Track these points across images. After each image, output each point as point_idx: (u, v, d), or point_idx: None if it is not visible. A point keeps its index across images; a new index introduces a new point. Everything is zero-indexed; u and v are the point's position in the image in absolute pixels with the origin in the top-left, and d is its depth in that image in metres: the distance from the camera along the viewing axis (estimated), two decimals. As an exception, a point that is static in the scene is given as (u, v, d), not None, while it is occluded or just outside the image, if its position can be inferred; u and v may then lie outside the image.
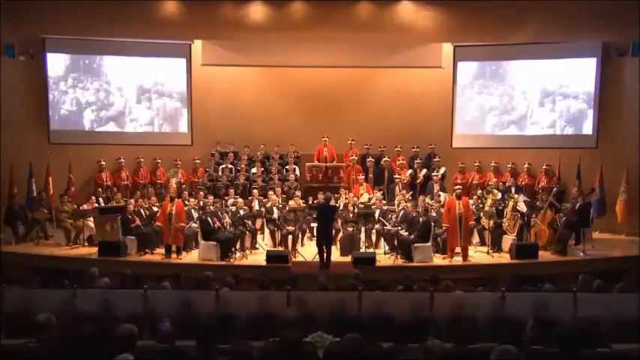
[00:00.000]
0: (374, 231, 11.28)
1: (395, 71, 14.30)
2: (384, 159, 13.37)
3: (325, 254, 10.06)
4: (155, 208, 11.49)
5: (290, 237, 10.99)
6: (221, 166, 13.61)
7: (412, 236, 10.56)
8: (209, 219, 10.75)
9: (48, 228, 11.90)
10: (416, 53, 13.85)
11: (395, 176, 12.95)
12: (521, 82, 13.70)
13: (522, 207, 11.16)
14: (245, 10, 13.26)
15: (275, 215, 11.39)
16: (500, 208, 11.42)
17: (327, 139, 13.63)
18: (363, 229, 11.10)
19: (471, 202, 11.61)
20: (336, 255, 10.59)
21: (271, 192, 12.16)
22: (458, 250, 10.64)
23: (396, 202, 12.12)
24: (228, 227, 10.85)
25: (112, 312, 5.56)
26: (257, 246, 11.43)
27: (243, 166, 13.46)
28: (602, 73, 13.04)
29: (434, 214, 11.16)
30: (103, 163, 13.22)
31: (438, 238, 10.95)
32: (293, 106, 14.34)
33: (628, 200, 12.31)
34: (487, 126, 14.03)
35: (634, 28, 11.97)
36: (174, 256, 10.66)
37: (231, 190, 12.44)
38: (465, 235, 10.64)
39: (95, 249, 10.66)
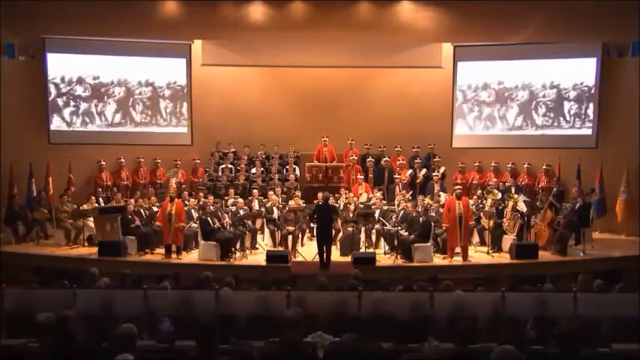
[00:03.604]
0: (374, 231, 11.27)
1: (395, 71, 14.30)
2: (384, 159, 13.37)
3: (325, 254, 10.06)
4: (155, 208, 11.49)
5: (290, 237, 10.99)
6: (221, 166, 13.60)
7: (412, 236, 10.55)
8: (209, 219, 10.75)
9: (48, 228, 11.91)
10: (416, 53, 13.84)
11: (395, 176, 12.96)
12: (521, 82, 13.69)
13: (522, 207, 11.16)
14: (245, 10, 13.29)
15: (275, 215, 11.40)
16: (500, 208, 11.42)
17: (327, 139, 13.63)
18: (363, 229, 11.10)
19: (471, 202, 11.62)
20: (336, 255, 10.58)
21: (271, 192, 12.16)
22: (458, 250, 10.64)
23: (396, 202, 12.12)
24: (228, 227, 10.86)
25: (111, 312, 5.56)
26: (257, 246, 11.43)
27: (243, 166, 13.45)
28: (602, 73, 13.05)
29: (434, 214, 11.16)
30: (103, 163, 13.23)
31: (438, 238, 10.95)
32: (293, 106, 14.34)
33: (628, 200, 12.32)
34: (487, 126, 14.02)
35: (634, 28, 11.99)
36: (174, 256, 10.67)
37: (231, 190, 12.44)
38: (465, 235, 10.63)
39: (95, 249, 10.66)
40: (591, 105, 13.29)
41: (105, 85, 13.81)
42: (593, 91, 13.23)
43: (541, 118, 13.66)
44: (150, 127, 14.09)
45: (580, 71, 13.32)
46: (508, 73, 13.81)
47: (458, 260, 10.55)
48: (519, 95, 13.76)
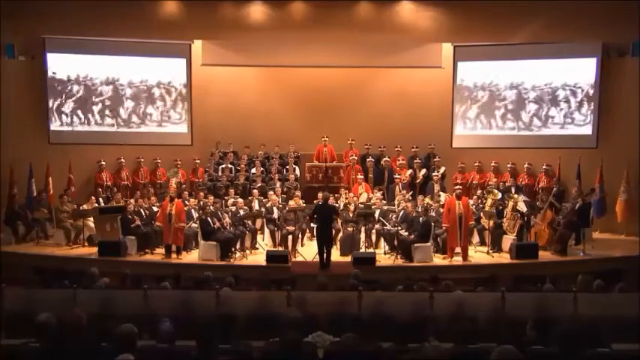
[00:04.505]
0: (374, 231, 11.27)
1: (395, 71, 14.30)
2: (384, 159, 13.38)
3: (325, 254, 10.05)
4: (155, 208, 11.49)
5: (290, 237, 10.99)
6: (221, 166, 13.61)
7: (412, 236, 10.55)
8: (209, 219, 10.75)
9: (48, 228, 11.91)
10: (416, 53, 13.83)
11: (395, 176, 12.96)
12: (521, 82, 13.68)
13: (522, 207, 11.16)
14: (245, 10, 13.29)
15: (275, 215, 11.40)
16: (500, 208, 11.42)
17: (327, 139, 13.64)
18: (363, 229, 11.10)
19: (471, 202, 11.62)
20: (336, 255, 10.58)
21: (271, 192, 12.15)
22: (458, 250, 10.64)
23: (396, 202, 12.13)
24: (228, 227, 10.86)
25: (111, 312, 5.56)
26: (257, 246, 11.43)
27: (243, 166, 13.46)
28: (602, 73, 13.04)
29: (434, 214, 11.16)
30: (103, 163, 13.23)
31: (438, 238, 10.95)
32: (293, 106, 14.34)
33: (628, 200, 12.31)
34: (487, 126, 14.01)
35: (634, 28, 11.99)
36: (174, 256, 10.67)
37: (231, 190, 12.45)
38: (465, 235, 10.64)
39: (95, 249, 10.66)
40: (591, 105, 13.28)
41: (105, 85, 13.78)
42: (593, 91, 13.23)
43: (541, 118, 13.64)
44: (150, 127, 14.07)
45: (580, 71, 13.31)
46: (508, 73, 13.78)
47: (458, 260, 10.54)
48: (519, 95, 13.74)
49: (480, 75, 13.91)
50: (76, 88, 13.65)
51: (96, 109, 13.78)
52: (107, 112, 13.84)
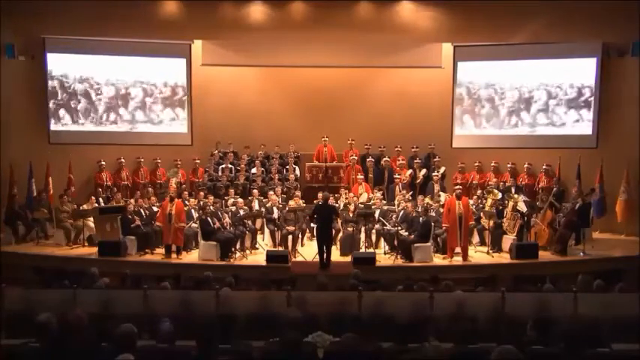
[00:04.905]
0: (374, 231, 11.27)
1: (395, 71, 14.30)
2: (384, 159, 13.38)
3: (325, 254, 10.05)
4: (155, 208, 11.49)
5: (290, 237, 10.99)
6: (221, 166, 13.60)
7: (412, 236, 10.55)
8: (209, 219, 10.75)
9: (48, 228, 11.91)
10: (416, 53, 13.82)
11: (395, 176, 12.96)
12: (521, 82, 13.68)
13: (522, 207, 11.16)
14: (245, 10, 13.30)
15: (275, 215, 11.40)
16: (500, 208, 11.42)
17: (327, 139, 13.64)
18: (363, 229, 11.10)
19: (471, 202, 11.62)
20: (336, 255, 10.58)
21: (271, 192, 12.15)
22: (458, 250, 10.64)
23: (396, 202, 12.13)
24: (228, 227, 10.86)
25: (111, 312, 5.56)
26: (257, 246, 11.43)
27: (243, 166, 13.46)
28: (602, 73, 13.03)
29: (434, 214, 11.16)
30: (103, 163, 13.23)
31: (438, 238, 10.95)
32: (293, 106, 14.34)
33: (628, 200, 12.31)
34: (487, 126, 14.01)
35: (634, 28, 12.00)
36: (174, 256, 10.67)
37: (231, 190, 12.45)
38: (465, 235, 10.64)
39: (95, 249, 10.66)
40: (591, 105, 13.28)
41: (105, 85, 13.77)
42: (593, 91, 13.22)
43: (541, 118, 13.64)
44: (150, 127, 14.06)
45: (580, 71, 13.31)
46: (508, 73, 13.77)
47: (458, 260, 10.54)
48: (519, 95, 13.74)
49: (480, 75, 13.88)
50: (75, 88, 13.62)
51: (96, 109, 13.76)
52: (107, 111, 13.79)
